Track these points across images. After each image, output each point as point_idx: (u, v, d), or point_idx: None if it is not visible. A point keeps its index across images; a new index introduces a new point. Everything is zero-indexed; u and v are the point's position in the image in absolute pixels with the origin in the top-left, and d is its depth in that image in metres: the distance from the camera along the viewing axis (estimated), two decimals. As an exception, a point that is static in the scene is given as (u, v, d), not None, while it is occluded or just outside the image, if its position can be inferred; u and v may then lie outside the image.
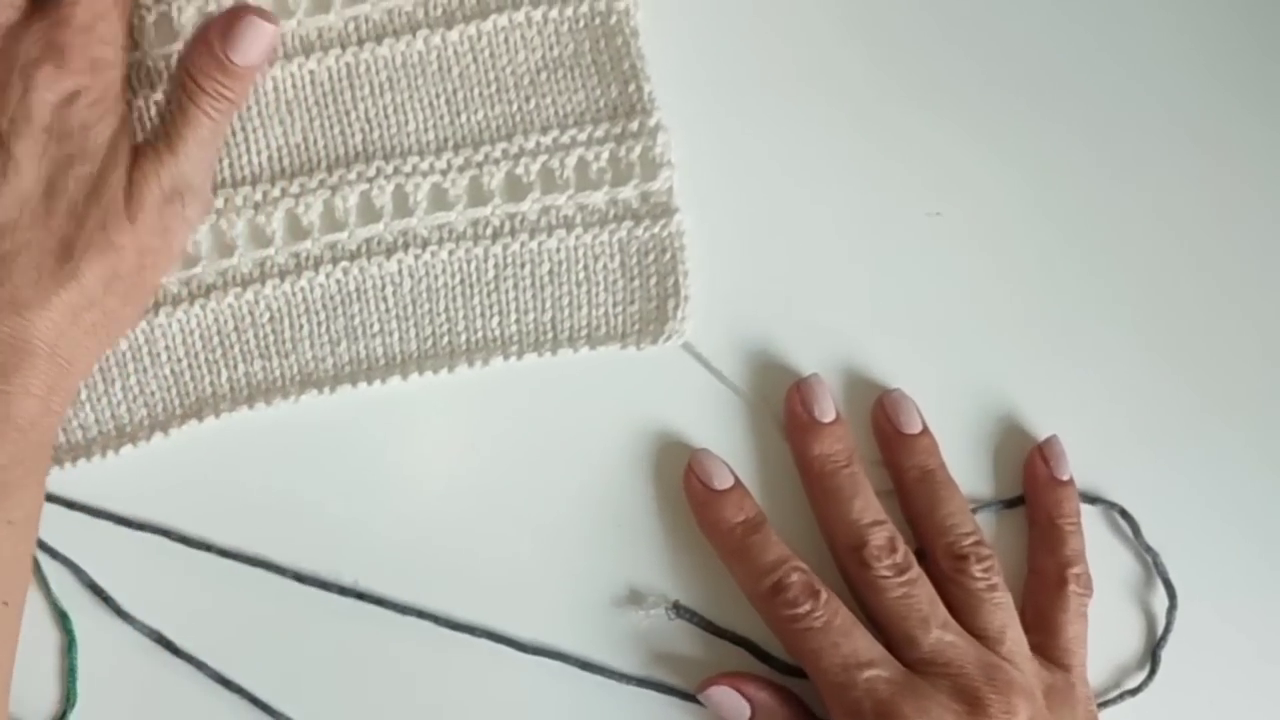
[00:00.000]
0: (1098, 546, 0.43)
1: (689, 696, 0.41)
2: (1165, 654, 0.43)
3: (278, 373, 0.41)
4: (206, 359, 0.41)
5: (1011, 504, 0.43)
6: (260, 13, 0.38)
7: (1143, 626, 0.43)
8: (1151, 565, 0.43)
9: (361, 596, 0.41)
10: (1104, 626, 0.42)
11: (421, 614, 0.41)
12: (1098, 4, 0.46)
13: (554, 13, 0.42)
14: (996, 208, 0.45)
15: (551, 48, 0.42)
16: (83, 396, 0.41)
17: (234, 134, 0.41)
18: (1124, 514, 0.43)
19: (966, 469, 0.43)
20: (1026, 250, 0.45)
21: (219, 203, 0.41)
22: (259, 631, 0.41)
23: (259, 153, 0.42)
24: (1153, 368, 0.45)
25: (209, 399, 0.41)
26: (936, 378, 0.44)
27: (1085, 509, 0.43)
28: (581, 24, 0.42)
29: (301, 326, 0.42)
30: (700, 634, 0.41)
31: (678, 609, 0.41)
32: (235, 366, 0.41)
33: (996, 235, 0.45)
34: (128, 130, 0.39)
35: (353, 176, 0.42)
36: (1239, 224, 0.46)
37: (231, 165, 0.42)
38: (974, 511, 0.42)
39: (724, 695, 0.40)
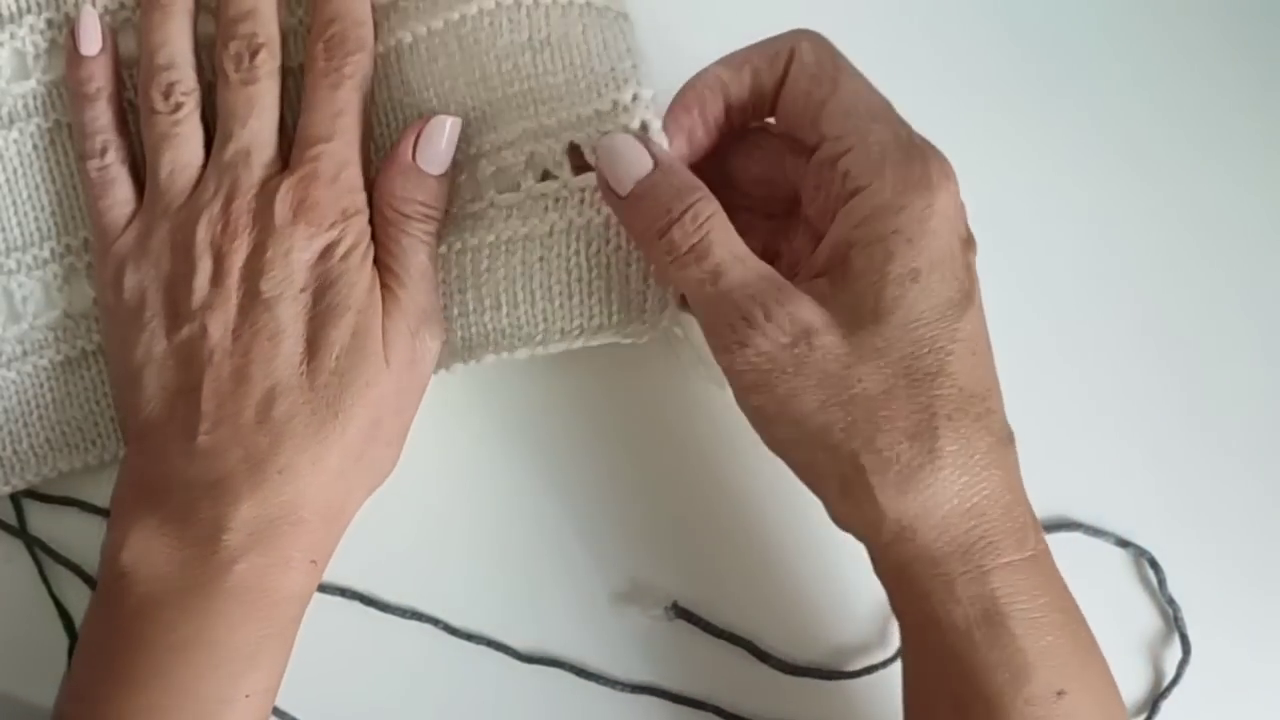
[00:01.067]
0: (1121, 591, 0.43)
1: (690, 702, 0.41)
2: (1166, 705, 0.42)
3: None
4: None
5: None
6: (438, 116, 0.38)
7: (1150, 676, 0.43)
8: (1171, 618, 0.42)
9: (362, 599, 0.41)
10: (1111, 670, 0.42)
11: (421, 616, 0.41)
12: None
13: None
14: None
15: (540, 29, 0.38)
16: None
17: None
18: (1153, 563, 0.42)
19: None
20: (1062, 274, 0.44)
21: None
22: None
23: None
24: (1196, 420, 0.44)
25: None
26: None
27: (1114, 551, 0.43)
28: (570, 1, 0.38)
29: None
30: (699, 634, 0.41)
31: (676, 609, 0.41)
32: None
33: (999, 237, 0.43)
34: (377, 277, 0.38)
35: None
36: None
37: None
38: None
39: (620, 141, 0.36)
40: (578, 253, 0.39)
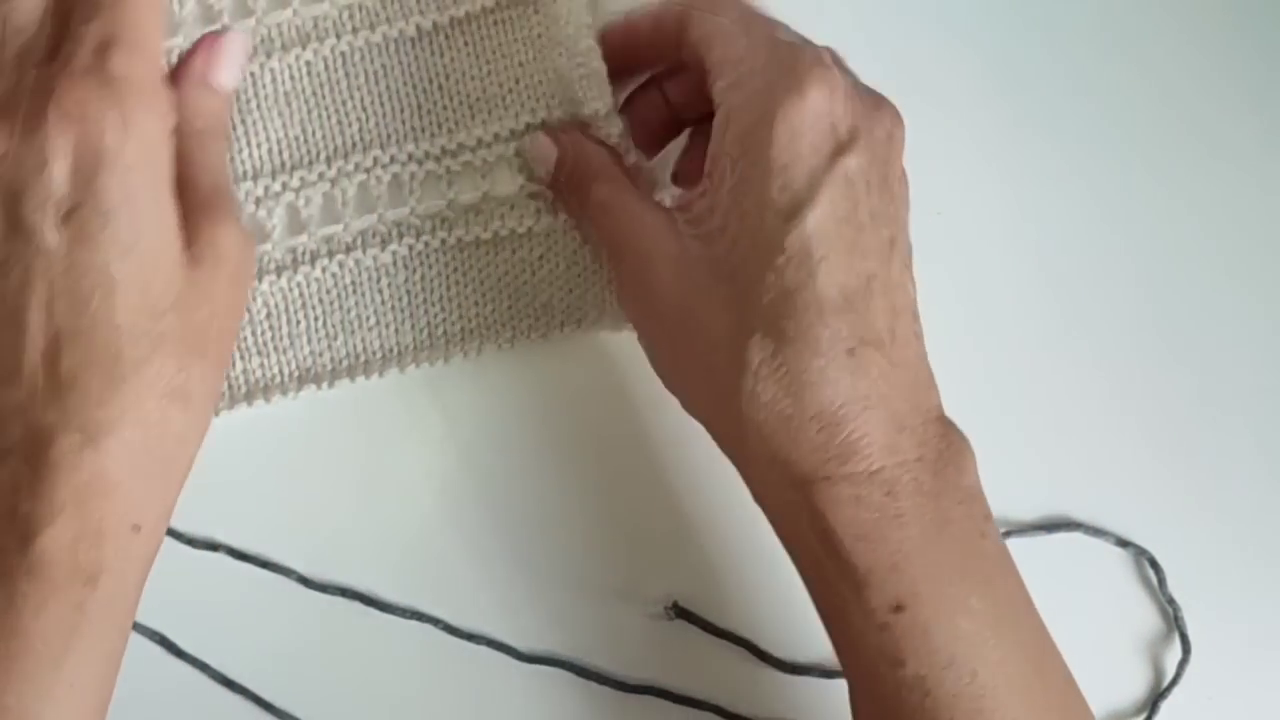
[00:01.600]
0: (1121, 591, 0.43)
1: (690, 701, 0.41)
2: (1165, 705, 0.42)
3: (276, 369, 0.41)
4: None
5: (1039, 530, 0.42)
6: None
7: (1150, 676, 0.43)
8: (1172, 618, 0.42)
9: (362, 599, 0.41)
10: (1111, 670, 0.42)
11: (421, 616, 0.41)
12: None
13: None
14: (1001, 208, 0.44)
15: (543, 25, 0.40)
16: None
17: (234, 129, 0.39)
18: (1153, 563, 0.42)
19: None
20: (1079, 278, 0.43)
21: None
22: (260, 633, 0.41)
23: (259, 146, 0.40)
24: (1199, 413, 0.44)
25: None
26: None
27: (1114, 551, 0.43)
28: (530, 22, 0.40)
29: (299, 322, 0.40)
30: (698, 633, 0.41)
31: (676, 609, 0.41)
32: (234, 364, 0.40)
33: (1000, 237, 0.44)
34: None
35: (350, 167, 0.40)
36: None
37: (233, 161, 0.39)
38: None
39: (535, 141, 0.40)
40: (575, 250, 0.40)
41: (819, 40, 0.36)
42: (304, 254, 0.40)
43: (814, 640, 0.41)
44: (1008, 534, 0.41)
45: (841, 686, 0.41)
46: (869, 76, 0.37)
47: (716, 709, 0.41)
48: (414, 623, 0.41)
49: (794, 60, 0.34)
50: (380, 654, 0.41)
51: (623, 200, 0.37)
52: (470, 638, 0.41)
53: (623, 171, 0.38)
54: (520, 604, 0.41)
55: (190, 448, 0.34)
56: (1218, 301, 0.44)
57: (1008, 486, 0.39)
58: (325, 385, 0.41)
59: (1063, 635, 0.35)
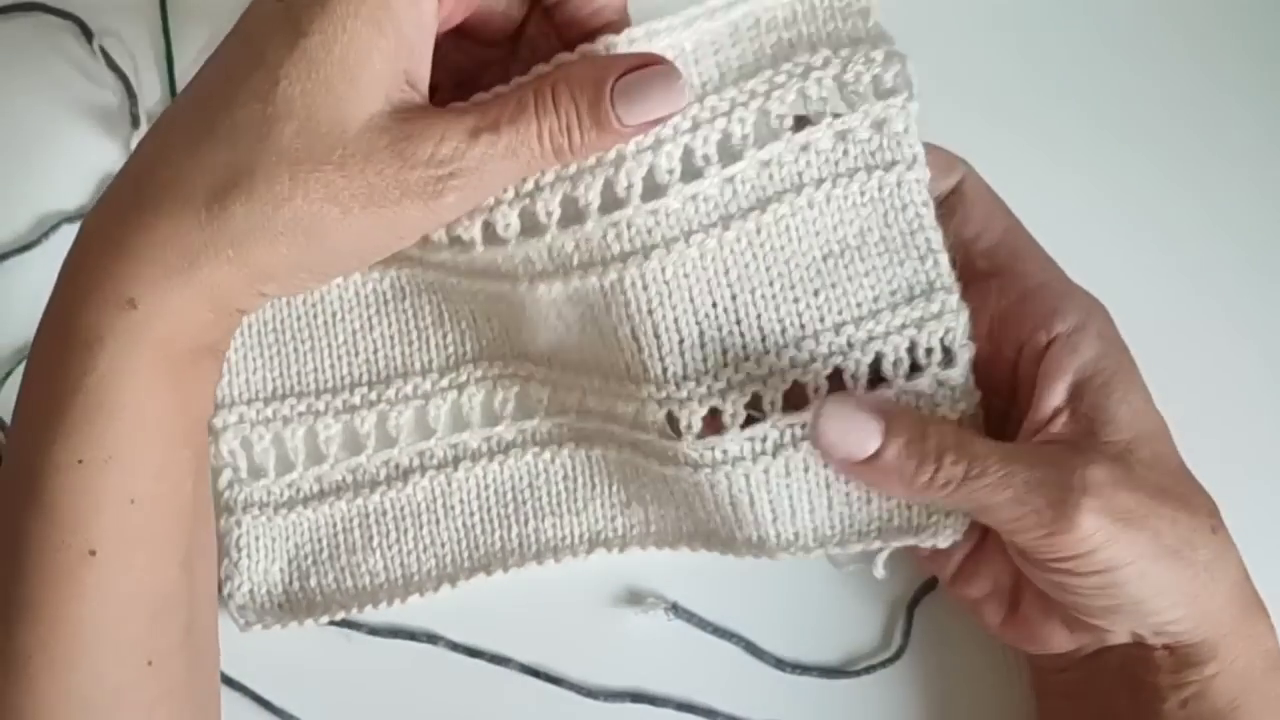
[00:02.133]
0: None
1: (688, 708, 0.41)
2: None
3: (568, 531, 0.41)
4: (499, 514, 0.41)
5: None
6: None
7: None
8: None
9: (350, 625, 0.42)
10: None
11: (415, 636, 0.42)
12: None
13: (838, 190, 0.36)
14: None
15: (835, 229, 0.36)
16: (373, 543, 0.41)
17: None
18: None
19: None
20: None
21: (529, 366, 0.40)
22: (259, 633, 0.41)
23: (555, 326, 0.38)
24: None
25: (497, 554, 0.41)
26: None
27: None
28: (867, 198, 0.36)
29: (595, 487, 0.41)
30: (697, 637, 0.42)
31: (676, 610, 0.42)
32: (526, 523, 0.41)
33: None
34: None
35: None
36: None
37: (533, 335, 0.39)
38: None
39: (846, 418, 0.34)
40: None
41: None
42: None
43: (814, 641, 0.42)
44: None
45: (840, 686, 0.41)
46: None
47: (711, 712, 0.41)
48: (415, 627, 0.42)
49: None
50: (381, 653, 0.42)
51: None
52: (469, 652, 0.42)
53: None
54: (520, 602, 0.42)
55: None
56: (1219, 299, 0.44)
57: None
58: (616, 550, 0.41)
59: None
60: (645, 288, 0.35)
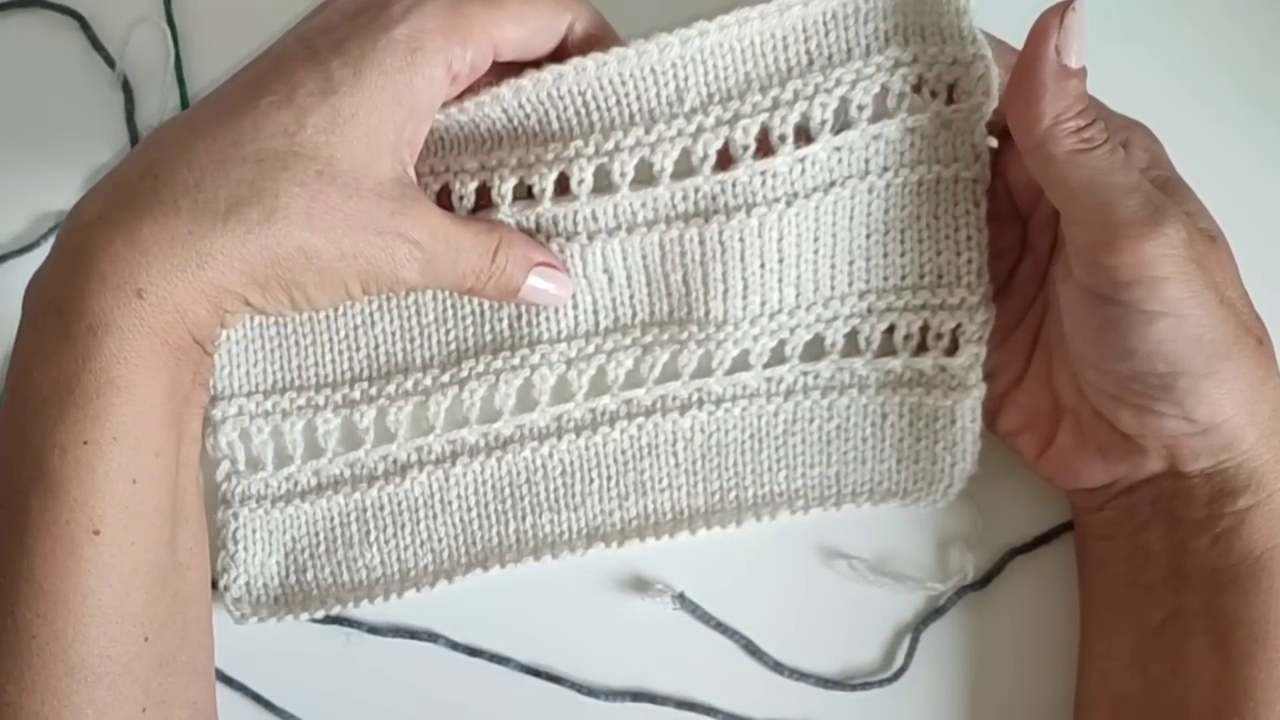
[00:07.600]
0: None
1: (687, 706, 0.42)
2: None
3: (565, 526, 0.41)
4: (496, 510, 0.42)
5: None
6: None
7: None
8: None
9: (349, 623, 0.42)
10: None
11: (417, 634, 0.42)
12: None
13: (898, 179, 0.39)
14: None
15: (887, 212, 0.39)
16: (370, 537, 0.41)
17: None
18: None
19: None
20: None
21: (534, 358, 0.41)
22: (259, 633, 0.41)
23: (575, 309, 0.40)
24: None
25: (495, 549, 0.42)
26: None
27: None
28: (925, 189, 0.39)
29: (592, 481, 0.41)
30: (698, 631, 0.42)
31: (682, 600, 0.42)
32: (524, 518, 0.41)
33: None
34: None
35: (665, 338, 0.41)
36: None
37: (547, 323, 0.40)
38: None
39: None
40: (874, 425, 0.41)
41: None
42: (604, 414, 0.41)
43: (814, 651, 0.42)
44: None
45: (833, 697, 0.41)
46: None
47: (710, 710, 0.41)
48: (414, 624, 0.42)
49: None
50: (380, 654, 0.42)
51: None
52: (470, 652, 0.42)
53: None
54: (522, 600, 0.42)
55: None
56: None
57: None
58: (614, 545, 0.41)
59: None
60: (702, 243, 0.39)
